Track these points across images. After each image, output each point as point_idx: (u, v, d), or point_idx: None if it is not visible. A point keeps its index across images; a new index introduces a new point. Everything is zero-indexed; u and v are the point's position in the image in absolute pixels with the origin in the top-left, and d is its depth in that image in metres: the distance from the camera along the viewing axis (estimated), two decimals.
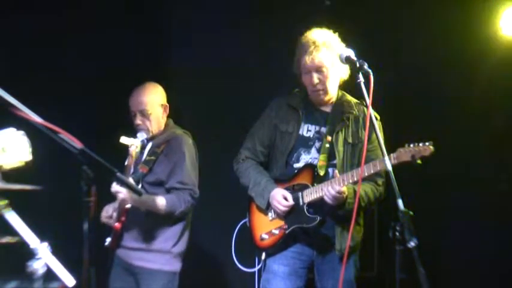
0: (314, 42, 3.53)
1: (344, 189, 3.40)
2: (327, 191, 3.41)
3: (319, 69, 3.54)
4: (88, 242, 2.24)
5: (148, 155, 3.91)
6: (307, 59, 3.52)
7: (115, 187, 3.61)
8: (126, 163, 3.72)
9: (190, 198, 3.83)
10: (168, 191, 3.83)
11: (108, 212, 3.86)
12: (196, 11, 5.29)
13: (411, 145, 3.18)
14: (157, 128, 3.94)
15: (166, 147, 3.88)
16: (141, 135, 3.85)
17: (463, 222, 4.94)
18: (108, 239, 3.87)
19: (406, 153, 3.18)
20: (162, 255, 3.83)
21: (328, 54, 3.51)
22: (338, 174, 3.42)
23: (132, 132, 3.94)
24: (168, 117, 4.02)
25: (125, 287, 3.89)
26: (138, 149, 3.79)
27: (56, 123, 2.26)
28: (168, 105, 3.99)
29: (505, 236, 4.84)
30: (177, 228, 3.88)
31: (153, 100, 3.91)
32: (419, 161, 3.14)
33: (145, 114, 3.89)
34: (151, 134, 3.92)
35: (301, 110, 3.67)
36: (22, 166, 2.27)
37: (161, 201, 3.75)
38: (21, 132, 2.25)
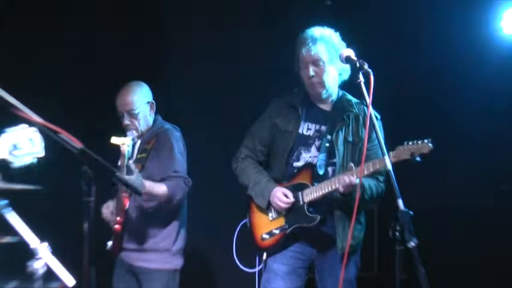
0: (312, 36, 3.55)
1: (357, 180, 3.36)
2: (346, 179, 3.36)
3: (315, 62, 3.54)
4: (88, 242, 2.24)
5: (139, 152, 3.92)
6: (304, 51, 3.54)
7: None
8: (119, 163, 3.71)
9: (185, 186, 3.84)
10: (164, 180, 3.84)
11: (109, 207, 3.86)
12: (196, 11, 5.29)
13: (410, 143, 3.17)
14: (145, 126, 3.95)
15: (155, 142, 3.90)
16: (131, 134, 3.85)
17: (463, 222, 4.94)
18: (110, 243, 3.87)
19: (405, 151, 3.17)
20: (160, 254, 3.84)
21: (325, 48, 3.51)
22: (353, 167, 3.39)
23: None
24: (156, 113, 4.02)
25: (127, 287, 3.90)
26: (130, 148, 3.78)
27: (56, 124, 2.26)
28: (154, 102, 3.99)
29: (505, 236, 4.84)
30: (173, 226, 3.89)
31: (139, 99, 3.92)
32: (418, 159, 3.13)
33: (132, 114, 3.90)
34: (140, 132, 3.93)
35: (300, 108, 3.66)
36: (34, 163, 2.26)
37: (162, 188, 3.75)
38: (34, 129, 2.24)
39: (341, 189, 3.41)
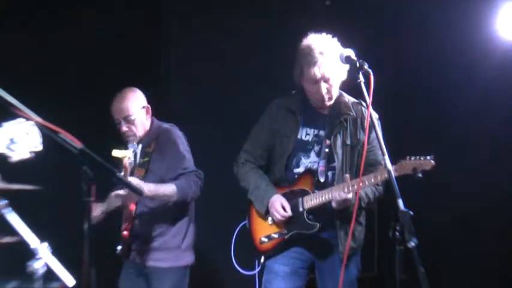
0: (321, 53, 3.48)
1: (350, 195, 3.38)
2: (336, 195, 3.38)
3: (327, 80, 3.51)
4: (88, 242, 2.24)
5: (141, 157, 3.92)
6: (317, 71, 3.47)
7: (116, 192, 3.63)
8: (121, 174, 3.70)
9: (197, 179, 3.84)
10: (174, 180, 3.83)
11: (96, 211, 3.83)
12: (196, 11, 5.29)
13: (412, 158, 3.17)
14: (143, 130, 3.95)
15: (156, 145, 3.90)
16: (132, 146, 3.87)
17: (463, 222, 4.94)
18: (119, 247, 3.88)
19: (407, 166, 3.16)
20: (171, 251, 3.85)
21: (334, 63, 3.44)
22: (349, 179, 3.39)
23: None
24: (151, 116, 4.02)
25: (135, 287, 3.91)
26: (132, 160, 3.79)
27: (56, 124, 2.26)
28: (149, 106, 3.99)
29: (505, 236, 4.84)
30: (182, 223, 3.89)
31: (134, 105, 3.91)
32: (420, 175, 3.11)
33: (129, 120, 3.89)
34: (139, 138, 3.94)
35: (299, 113, 3.65)
36: (31, 157, 2.25)
37: (171, 187, 3.75)
38: (31, 123, 2.24)
39: (334, 205, 3.42)
